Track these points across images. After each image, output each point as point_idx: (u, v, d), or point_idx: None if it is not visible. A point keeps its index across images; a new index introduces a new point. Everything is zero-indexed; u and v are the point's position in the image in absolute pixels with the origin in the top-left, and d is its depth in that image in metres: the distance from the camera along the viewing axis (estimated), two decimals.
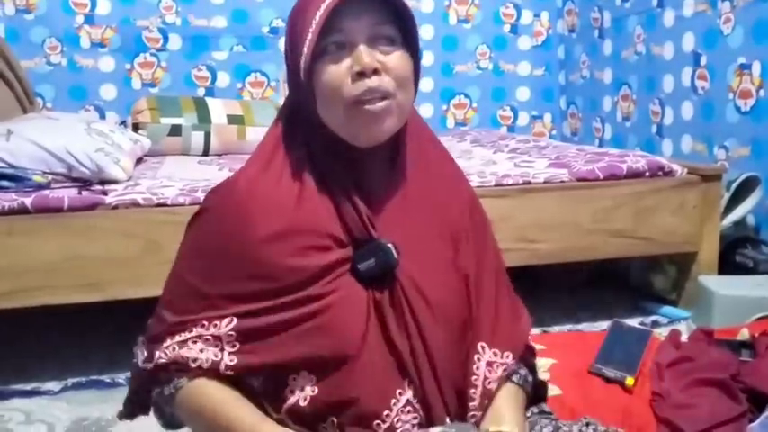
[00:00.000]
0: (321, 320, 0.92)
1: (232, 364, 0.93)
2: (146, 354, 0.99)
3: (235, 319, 0.93)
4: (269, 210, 0.95)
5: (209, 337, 0.94)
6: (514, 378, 1.03)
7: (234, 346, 0.93)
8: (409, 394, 0.94)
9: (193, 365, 0.93)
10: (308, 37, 0.91)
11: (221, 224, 0.97)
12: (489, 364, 1.00)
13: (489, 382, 0.99)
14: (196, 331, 0.95)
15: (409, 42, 0.96)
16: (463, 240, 1.03)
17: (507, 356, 1.02)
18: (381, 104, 0.92)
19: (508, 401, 1.00)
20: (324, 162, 0.97)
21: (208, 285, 0.96)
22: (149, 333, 1.01)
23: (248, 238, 0.94)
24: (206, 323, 0.94)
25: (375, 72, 0.91)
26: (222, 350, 0.93)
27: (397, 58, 0.94)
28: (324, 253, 0.94)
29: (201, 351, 0.93)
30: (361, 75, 0.91)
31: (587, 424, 1.06)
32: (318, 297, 0.93)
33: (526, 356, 1.08)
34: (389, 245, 0.94)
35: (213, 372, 0.93)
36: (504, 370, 1.01)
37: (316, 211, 0.96)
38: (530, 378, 1.08)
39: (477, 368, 0.99)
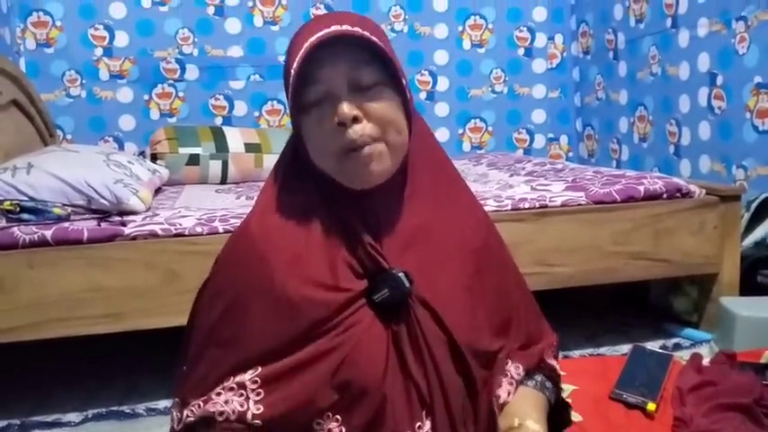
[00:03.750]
0: (343, 357, 0.92)
1: (259, 413, 0.92)
2: (177, 415, 0.98)
3: (259, 367, 0.93)
4: (283, 251, 0.95)
5: (234, 386, 0.93)
6: (529, 383, 1.04)
7: (259, 394, 0.92)
8: (428, 426, 0.93)
9: (220, 419, 0.92)
10: (290, 90, 0.93)
11: (238, 270, 0.98)
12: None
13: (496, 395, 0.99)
14: (218, 382, 0.94)
15: (394, 77, 0.95)
16: (482, 261, 1.03)
17: (518, 368, 1.03)
18: (367, 150, 0.92)
19: (521, 400, 1.00)
20: (331, 197, 0.98)
21: (229, 334, 0.96)
22: (179, 393, 1.00)
23: (265, 282, 0.94)
24: (224, 381, 0.94)
25: (356, 120, 0.91)
26: (248, 399, 0.92)
27: (380, 101, 0.93)
28: (340, 288, 0.94)
29: (227, 402, 0.93)
30: (342, 125, 0.90)
31: None
32: (338, 334, 0.93)
33: (543, 371, 1.08)
34: (400, 274, 0.94)
35: (240, 422, 0.92)
36: (511, 383, 1.01)
37: (329, 247, 0.96)
38: (548, 384, 1.07)
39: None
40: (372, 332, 0.94)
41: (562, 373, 1.12)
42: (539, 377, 1.06)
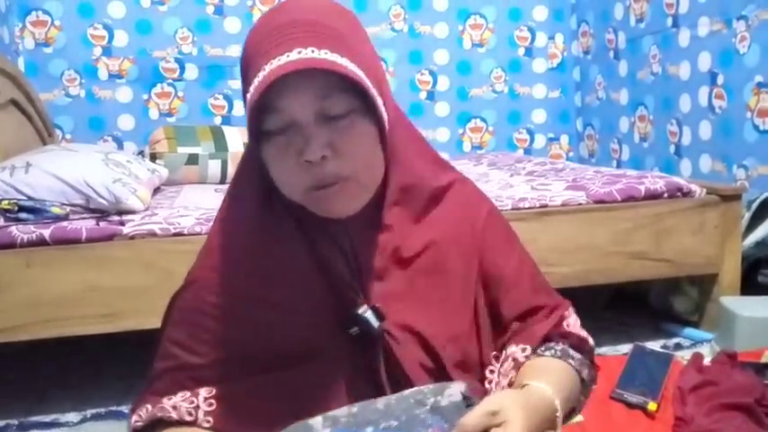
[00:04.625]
0: (306, 390, 0.87)
1: (209, 425, 0.88)
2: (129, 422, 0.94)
3: (213, 389, 0.89)
4: (254, 276, 0.90)
5: (186, 395, 0.90)
6: (547, 353, 0.94)
7: (211, 404, 0.89)
8: None
9: (166, 416, 0.89)
10: (247, 117, 0.82)
11: (205, 291, 0.92)
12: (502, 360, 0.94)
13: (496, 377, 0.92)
14: (171, 393, 0.90)
15: (368, 104, 0.84)
16: (476, 268, 0.96)
17: (524, 350, 0.93)
18: (333, 190, 0.83)
19: (529, 370, 0.90)
20: (306, 222, 0.90)
21: (187, 355, 0.91)
22: (134, 404, 0.96)
23: (231, 306, 0.90)
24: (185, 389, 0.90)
25: (325, 158, 0.81)
26: (198, 408, 0.89)
27: (351, 134, 0.83)
28: (310, 319, 0.89)
29: (175, 408, 0.89)
30: (309, 162, 0.81)
31: None
32: (305, 364, 0.88)
33: (564, 340, 0.97)
34: (367, 314, 0.87)
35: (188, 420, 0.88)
36: (513, 367, 0.91)
37: (302, 275, 0.90)
38: (571, 352, 0.95)
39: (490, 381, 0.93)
40: (344, 365, 0.89)
41: (590, 341, 1.01)
42: (559, 345, 0.95)
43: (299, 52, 0.78)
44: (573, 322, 1.01)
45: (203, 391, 0.89)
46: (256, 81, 0.78)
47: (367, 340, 0.88)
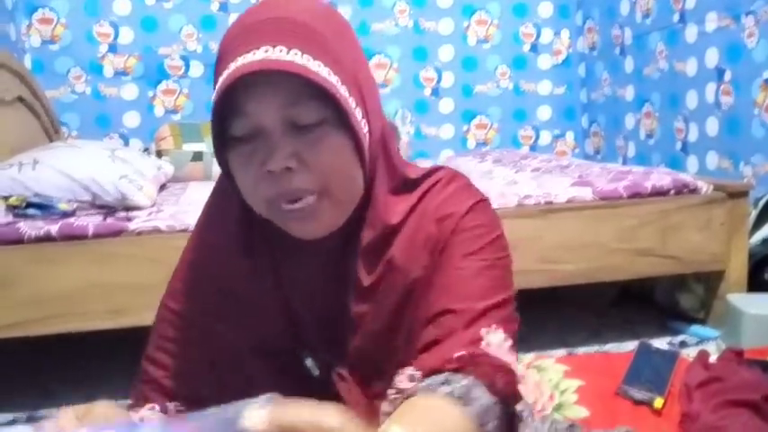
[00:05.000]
0: None
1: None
2: None
3: (182, 406, 0.90)
4: (217, 293, 0.89)
5: (154, 410, 0.92)
6: (441, 389, 0.73)
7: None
8: None
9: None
10: (211, 121, 0.77)
11: (171, 304, 0.95)
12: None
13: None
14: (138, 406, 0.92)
15: (340, 114, 0.76)
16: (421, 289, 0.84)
17: (414, 373, 0.78)
18: (298, 206, 0.76)
19: (400, 413, 0.72)
20: (276, 241, 0.85)
21: (154, 369, 0.95)
22: None
23: (193, 322, 0.91)
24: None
25: (290, 170, 0.74)
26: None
27: (322, 146, 0.75)
28: (268, 348, 0.88)
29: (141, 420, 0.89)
30: (271, 172, 0.75)
31: None
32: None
33: (477, 374, 0.76)
34: (307, 360, 0.87)
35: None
36: (395, 396, 0.78)
37: (263, 302, 0.88)
38: (474, 393, 0.73)
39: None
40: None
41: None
42: (440, 377, 0.75)
43: (266, 51, 0.73)
44: (496, 341, 0.79)
45: (171, 406, 0.90)
46: (221, 80, 0.73)
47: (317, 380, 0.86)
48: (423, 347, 0.79)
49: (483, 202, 0.89)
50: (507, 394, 0.78)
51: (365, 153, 0.80)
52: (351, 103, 0.76)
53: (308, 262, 0.85)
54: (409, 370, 0.78)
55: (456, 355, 0.76)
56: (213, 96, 0.74)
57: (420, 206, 0.87)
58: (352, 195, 0.81)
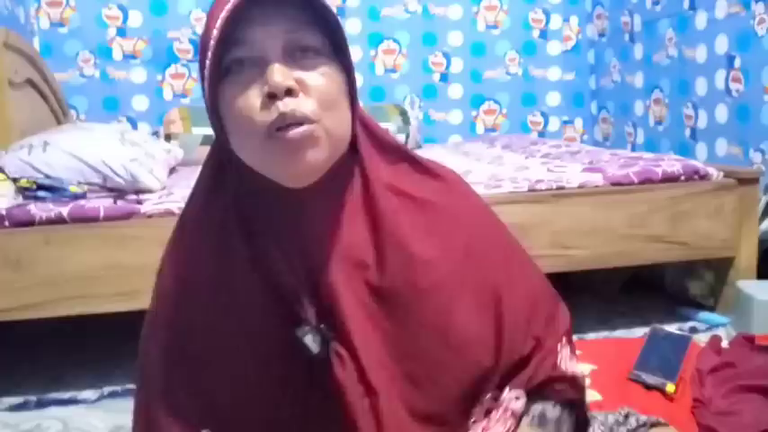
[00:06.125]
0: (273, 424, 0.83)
1: None
2: None
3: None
4: (201, 309, 0.85)
5: None
6: (524, 420, 0.86)
7: None
8: None
9: None
10: (208, 54, 0.74)
11: (166, 331, 0.89)
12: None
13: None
14: None
15: (338, 52, 0.78)
16: (447, 292, 0.85)
17: (518, 396, 0.86)
18: (299, 131, 0.73)
19: None
20: (252, 215, 0.83)
21: (162, 414, 0.87)
22: None
23: (183, 350, 0.86)
24: None
25: (290, 93, 0.73)
26: None
27: (320, 74, 0.76)
28: (259, 341, 0.83)
29: None
30: (272, 97, 0.73)
31: (626, 415, 1.04)
32: (261, 393, 0.83)
33: (552, 388, 0.89)
34: (307, 338, 0.80)
35: None
36: (506, 417, 0.85)
37: (246, 287, 0.83)
38: (550, 414, 0.89)
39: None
40: (299, 390, 0.83)
41: (581, 370, 0.95)
42: (538, 407, 0.88)
43: None
44: (566, 355, 0.92)
45: None
46: (223, 14, 0.72)
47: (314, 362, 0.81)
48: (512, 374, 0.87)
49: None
50: (581, 400, 0.93)
51: (355, 93, 0.81)
52: (344, 32, 0.79)
53: (293, 222, 0.82)
54: (509, 392, 0.86)
55: (544, 378, 0.88)
56: (216, 27, 0.73)
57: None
58: (344, 134, 0.79)
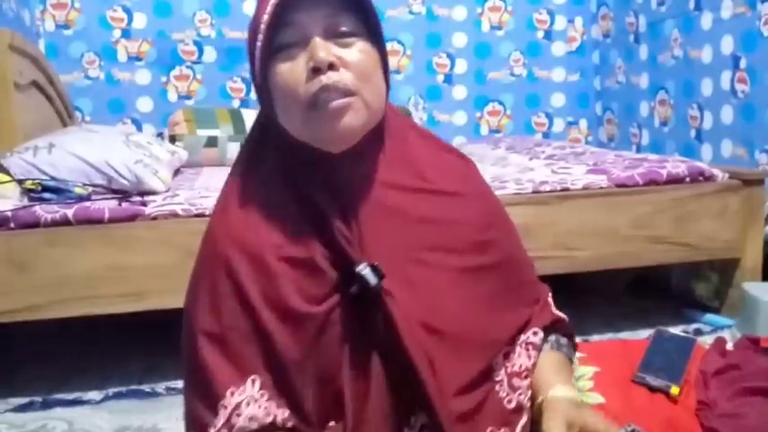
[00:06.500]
0: (327, 358, 0.88)
1: (285, 416, 0.87)
2: None
3: (258, 379, 0.88)
4: (252, 258, 0.89)
5: (247, 399, 0.87)
6: (545, 346, 1.02)
7: (270, 399, 0.87)
8: (423, 419, 0.88)
9: (254, 426, 0.86)
10: (259, 36, 0.86)
11: (209, 292, 0.91)
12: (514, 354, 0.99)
13: (519, 357, 0.98)
14: (230, 406, 0.87)
15: (373, 33, 0.89)
16: (480, 241, 0.97)
17: (536, 333, 1.01)
18: (340, 102, 0.84)
19: (546, 370, 0.99)
20: (299, 178, 0.91)
21: (218, 356, 0.89)
22: (189, 430, 0.92)
23: (236, 299, 0.89)
24: (234, 391, 0.87)
25: (331, 67, 0.83)
26: (266, 408, 0.87)
27: (357, 51, 0.87)
28: (315, 287, 0.88)
29: (251, 419, 0.86)
30: (316, 71, 0.83)
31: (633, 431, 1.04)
32: (320, 334, 0.88)
33: (556, 327, 1.06)
34: (365, 271, 0.86)
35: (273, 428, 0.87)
36: (528, 349, 0.99)
37: (299, 239, 0.89)
38: (563, 341, 1.06)
39: (502, 378, 0.96)
40: (352, 328, 0.88)
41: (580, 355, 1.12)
42: (552, 337, 1.04)
43: None
44: (551, 302, 1.10)
45: (254, 391, 0.87)
46: (273, 1, 0.83)
47: (365, 299, 0.87)
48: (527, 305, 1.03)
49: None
50: (571, 338, 1.11)
51: (389, 72, 0.92)
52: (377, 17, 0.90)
53: (331, 182, 0.91)
54: (530, 330, 1.00)
55: (551, 320, 1.05)
56: (267, 11, 0.84)
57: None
58: (380, 105, 0.90)
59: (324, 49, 0.84)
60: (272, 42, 0.86)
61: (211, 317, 0.90)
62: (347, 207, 0.91)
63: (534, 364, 0.98)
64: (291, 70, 0.85)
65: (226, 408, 0.86)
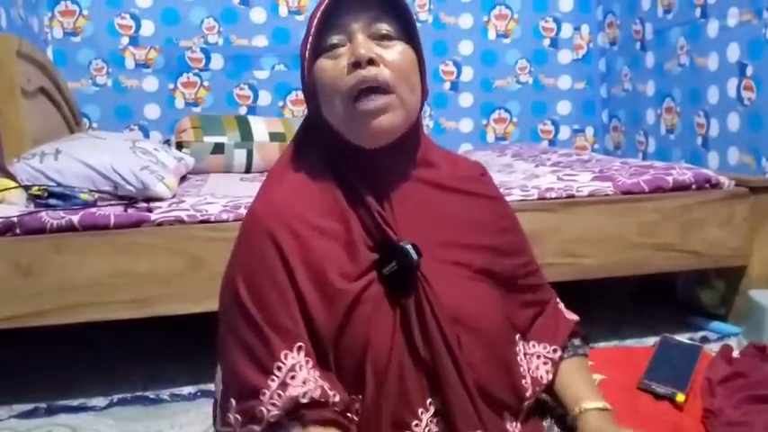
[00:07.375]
0: (354, 335, 0.91)
1: (335, 397, 0.89)
2: (245, 417, 0.89)
3: (303, 346, 0.90)
4: (294, 232, 0.93)
5: (294, 365, 0.89)
6: (566, 355, 1.10)
7: (308, 363, 0.89)
8: (438, 404, 0.92)
9: (305, 401, 0.87)
10: (309, 39, 0.94)
11: (253, 258, 0.94)
12: (531, 354, 1.07)
13: (537, 368, 1.05)
14: (284, 368, 0.88)
15: (411, 37, 0.97)
16: (496, 245, 1.05)
17: (546, 347, 1.08)
18: (381, 101, 0.91)
19: (572, 380, 1.08)
20: (341, 167, 0.98)
21: (268, 321, 0.91)
22: (236, 395, 0.91)
23: (280, 269, 0.92)
24: (285, 358, 0.89)
25: (372, 62, 0.91)
26: (315, 379, 0.89)
27: (396, 52, 0.94)
28: (351, 265, 0.93)
29: (305, 382, 0.88)
30: (356, 65, 0.91)
31: None
32: (351, 311, 0.91)
33: (573, 334, 1.14)
34: (408, 246, 0.92)
35: (323, 405, 0.88)
36: (546, 362, 1.06)
37: (338, 220, 0.96)
38: (576, 342, 1.15)
39: (521, 359, 1.03)
40: (381, 308, 0.92)
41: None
42: (576, 341, 1.14)
43: None
44: (563, 307, 1.18)
45: (303, 358, 0.89)
46: (323, 7, 0.93)
47: (401, 278, 0.93)
48: (540, 330, 1.10)
49: None
50: (585, 339, 1.18)
51: (425, 75, 0.99)
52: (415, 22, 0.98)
53: (369, 175, 0.98)
54: (539, 346, 1.08)
55: (567, 333, 1.12)
56: (318, 14, 0.93)
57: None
58: (414, 105, 0.96)
59: (364, 46, 0.91)
60: (319, 44, 0.94)
61: (261, 284, 0.93)
62: (383, 196, 0.97)
63: (553, 379, 1.08)
64: (334, 66, 0.93)
65: (281, 369, 0.88)
